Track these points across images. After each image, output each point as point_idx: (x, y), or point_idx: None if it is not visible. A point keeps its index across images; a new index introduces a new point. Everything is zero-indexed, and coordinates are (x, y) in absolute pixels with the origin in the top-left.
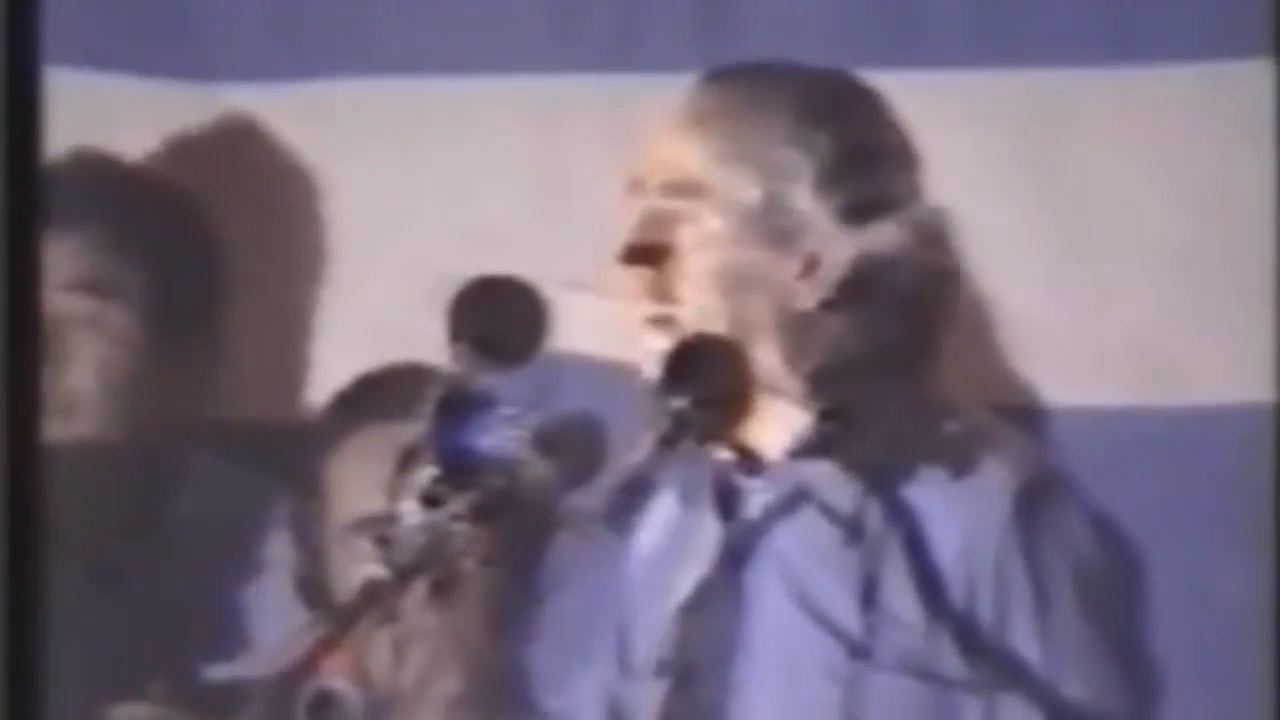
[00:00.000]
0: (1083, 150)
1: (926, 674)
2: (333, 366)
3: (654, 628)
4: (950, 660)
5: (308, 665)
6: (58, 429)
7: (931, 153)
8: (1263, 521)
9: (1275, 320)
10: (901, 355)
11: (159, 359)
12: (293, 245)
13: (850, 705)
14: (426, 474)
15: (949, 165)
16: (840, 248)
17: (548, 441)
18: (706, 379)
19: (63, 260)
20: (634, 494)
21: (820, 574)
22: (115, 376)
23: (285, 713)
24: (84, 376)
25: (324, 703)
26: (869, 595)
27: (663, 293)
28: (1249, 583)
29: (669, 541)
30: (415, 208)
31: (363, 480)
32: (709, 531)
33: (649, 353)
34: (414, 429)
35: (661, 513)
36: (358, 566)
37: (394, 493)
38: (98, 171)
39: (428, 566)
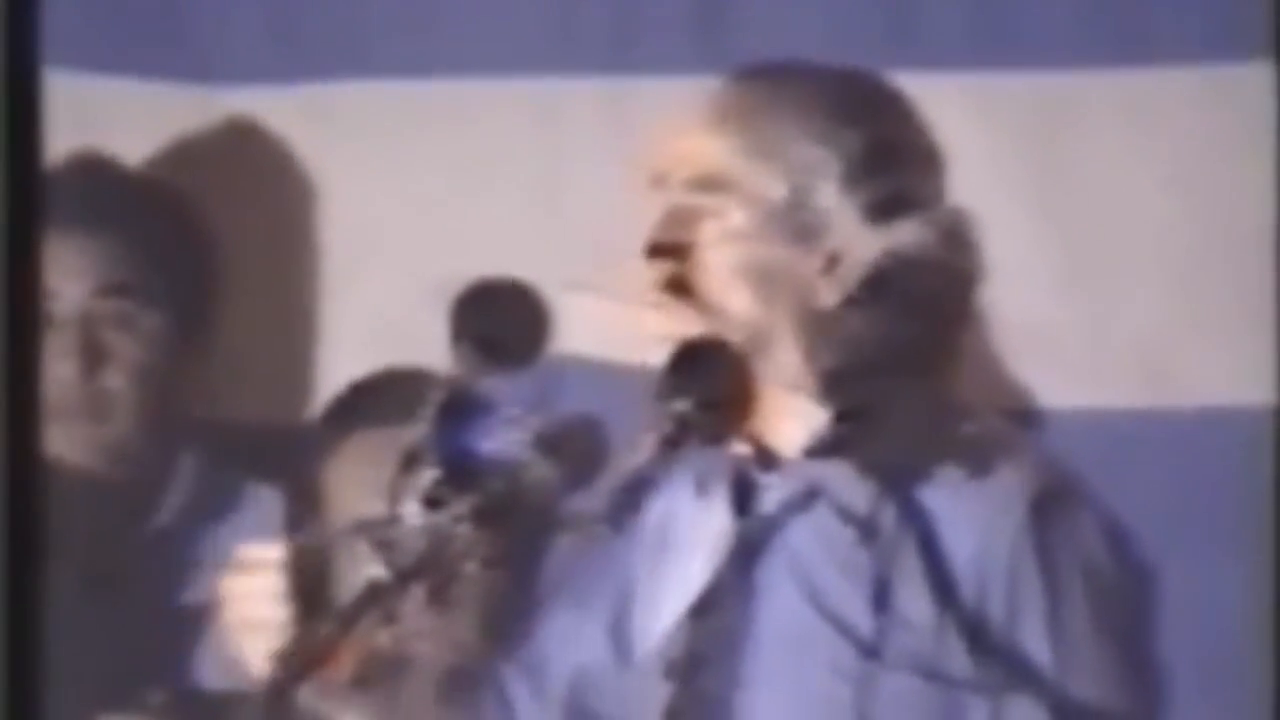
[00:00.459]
0: (1083, 152)
1: (935, 675)
2: (333, 368)
3: (657, 617)
4: (959, 661)
5: (306, 669)
6: (90, 432)
7: None
8: (1264, 523)
9: (1276, 322)
10: (920, 356)
11: (179, 360)
12: (292, 247)
13: (860, 704)
14: (428, 476)
15: (949, 167)
16: (863, 246)
17: (549, 443)
18: (708, 381)
19: (88, 263)
20: (636, 496)
21: (832, 573)
22: (147, 378)
23: (283, 719)
24: (117, 378)
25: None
26: (881, 596)
27: (683, 287)
28: (1250, 584)
29: (677, 531)
30: (415, 209)
31: (361, 483)
32: (720, 523)
33: (657, 337)
34: (414, 432)
35: (671, 503)
36: (358, 568)
37: (395, 495)
38: (98, 174)
39: (429, 568)
